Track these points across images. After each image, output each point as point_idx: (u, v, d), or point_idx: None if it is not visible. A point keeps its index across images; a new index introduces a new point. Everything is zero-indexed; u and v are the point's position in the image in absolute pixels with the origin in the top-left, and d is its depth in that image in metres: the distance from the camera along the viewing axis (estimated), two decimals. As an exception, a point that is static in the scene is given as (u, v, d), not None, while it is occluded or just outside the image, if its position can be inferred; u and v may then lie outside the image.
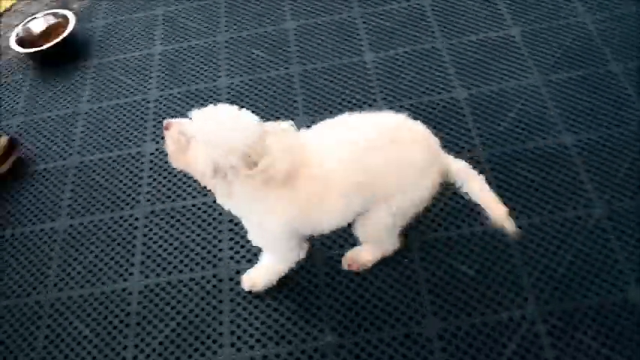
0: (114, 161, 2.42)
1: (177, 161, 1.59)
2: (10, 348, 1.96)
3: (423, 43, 2.57)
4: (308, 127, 1.69)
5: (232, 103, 1.61)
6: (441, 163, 1.72)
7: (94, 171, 2.40)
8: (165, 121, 1.57)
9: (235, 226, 2.11)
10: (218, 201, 1.66)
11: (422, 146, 1.66)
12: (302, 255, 1.88)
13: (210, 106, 1.55)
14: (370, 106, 2.36)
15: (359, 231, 1.82)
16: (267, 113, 2.40)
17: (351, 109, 2.03)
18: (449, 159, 1.75)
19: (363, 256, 1.96)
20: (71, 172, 2.41)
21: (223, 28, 2.85)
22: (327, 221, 1.70)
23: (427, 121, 1.72)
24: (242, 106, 1.56)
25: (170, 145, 1.57)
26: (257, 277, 1.95)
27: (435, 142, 1.71)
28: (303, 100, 2.45)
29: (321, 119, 1.71)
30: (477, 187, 1.73)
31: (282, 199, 1.60)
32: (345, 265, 1.97)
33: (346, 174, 1.60)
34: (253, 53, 2.70)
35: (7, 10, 3.29)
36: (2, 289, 2.11)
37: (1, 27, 3.19)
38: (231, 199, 1.60)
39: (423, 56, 2.52)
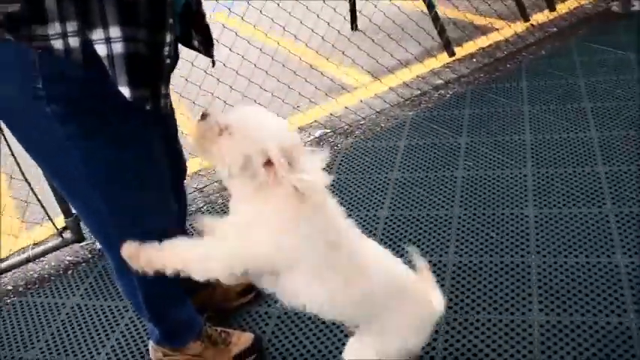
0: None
1: (203, 149, 1.52)
2: None
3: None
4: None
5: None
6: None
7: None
8: (202, 110, 1.52)
9: None
10: (231, 204, 1.57)
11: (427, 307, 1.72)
12: None
13: (248, 106, 1.54)
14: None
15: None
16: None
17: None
18: None
19: None
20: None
21: (458, 202, 2.69)
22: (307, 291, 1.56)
23: None
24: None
25: (200, 130, 1.50)
26: None
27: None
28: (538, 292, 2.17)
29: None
30: None
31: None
32: None
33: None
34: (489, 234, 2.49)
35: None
36: None
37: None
38: (252, 202, 1.49)
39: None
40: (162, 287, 1.97)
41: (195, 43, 1.84)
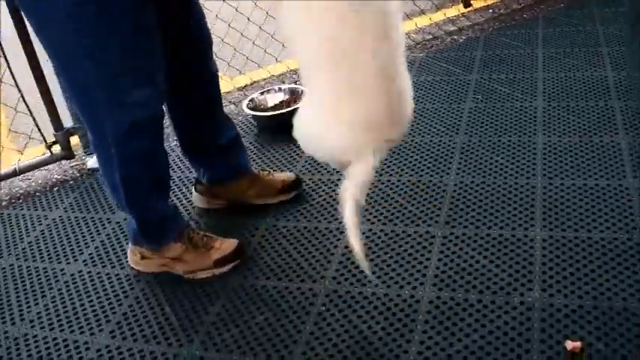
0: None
1: None
2: None
3: None
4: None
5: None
6: None
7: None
8: None
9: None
10: None
11: None
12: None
13: None
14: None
15: None
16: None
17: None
18: None
19: None
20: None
21: (463, 130, 2.56)
22: None
23: None
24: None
25: None
26: None
27: None
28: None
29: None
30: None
31: None
32: None
33: None
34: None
35: (250, 84, 3.30)
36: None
37: (242, 94, 3.19)
38: None
39: None
40: (140, 170, 1.86)
41: None
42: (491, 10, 3.81)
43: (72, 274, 2.14)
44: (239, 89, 3.27)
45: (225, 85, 3.27)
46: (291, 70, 3.35)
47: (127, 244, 2.14)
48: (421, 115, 2.72)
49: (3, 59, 2.51)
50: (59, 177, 2.75)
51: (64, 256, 2.23)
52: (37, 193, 2.65)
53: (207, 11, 2.07)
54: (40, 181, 2.74)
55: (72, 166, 2.80)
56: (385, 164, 2.41)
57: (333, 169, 2.42)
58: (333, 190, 2.32)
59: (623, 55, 2.97)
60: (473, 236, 2.00)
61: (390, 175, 2.36)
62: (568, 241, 1.91)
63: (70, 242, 2.30)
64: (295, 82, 3.13)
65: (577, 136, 2.41)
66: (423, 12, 3.80)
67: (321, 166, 2.47)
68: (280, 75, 3.35)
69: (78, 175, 2.74)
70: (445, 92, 2.88)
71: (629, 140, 2.34)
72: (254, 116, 2.82)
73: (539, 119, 2.55)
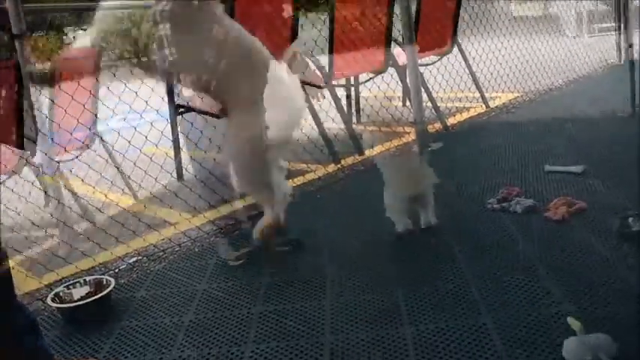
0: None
1: None
2: None
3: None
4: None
5: None
6: None
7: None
8: None
9: None
10: None
11: None
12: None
13: None
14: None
15: None
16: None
17: None
18: None
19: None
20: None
21: (260, 300, 2.76)
22: None
23: None
24: None
25: None
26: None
27: None
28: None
29: None
30: None
31: None
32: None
33: None
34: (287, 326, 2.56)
35: (59, 280, 3.33)
36: None
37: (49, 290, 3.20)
38: None
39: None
40: None
41: None
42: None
43: None
44: (46, 286, 3.28)
45: (32, 282, 3.30)
46: (100, 264, 3.45)
47: None
48: (219, 293, 2.91)
49: None
50: None
51: None
52: None
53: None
54: None
55: None
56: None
57: (138, 353, 2.50)
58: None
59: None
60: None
61: (192, 349, 2.47)
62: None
63: None
64: (103, 274, 3.21)
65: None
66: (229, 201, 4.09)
67: (127, 351, 2.53)
68: (89, 269, 3.42)
69: None
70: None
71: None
72: (58, 309, 2.84)
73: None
